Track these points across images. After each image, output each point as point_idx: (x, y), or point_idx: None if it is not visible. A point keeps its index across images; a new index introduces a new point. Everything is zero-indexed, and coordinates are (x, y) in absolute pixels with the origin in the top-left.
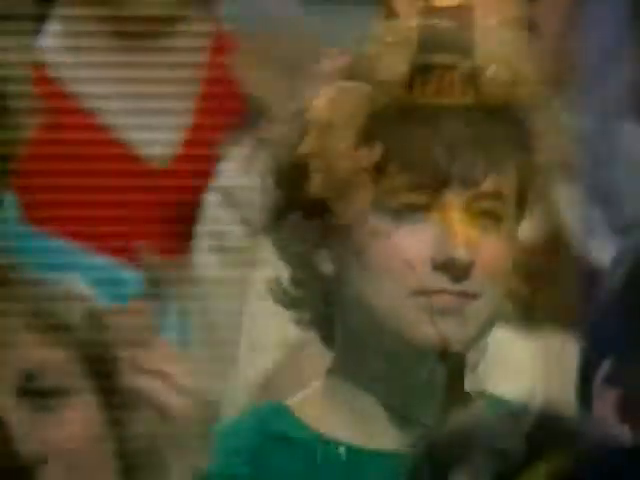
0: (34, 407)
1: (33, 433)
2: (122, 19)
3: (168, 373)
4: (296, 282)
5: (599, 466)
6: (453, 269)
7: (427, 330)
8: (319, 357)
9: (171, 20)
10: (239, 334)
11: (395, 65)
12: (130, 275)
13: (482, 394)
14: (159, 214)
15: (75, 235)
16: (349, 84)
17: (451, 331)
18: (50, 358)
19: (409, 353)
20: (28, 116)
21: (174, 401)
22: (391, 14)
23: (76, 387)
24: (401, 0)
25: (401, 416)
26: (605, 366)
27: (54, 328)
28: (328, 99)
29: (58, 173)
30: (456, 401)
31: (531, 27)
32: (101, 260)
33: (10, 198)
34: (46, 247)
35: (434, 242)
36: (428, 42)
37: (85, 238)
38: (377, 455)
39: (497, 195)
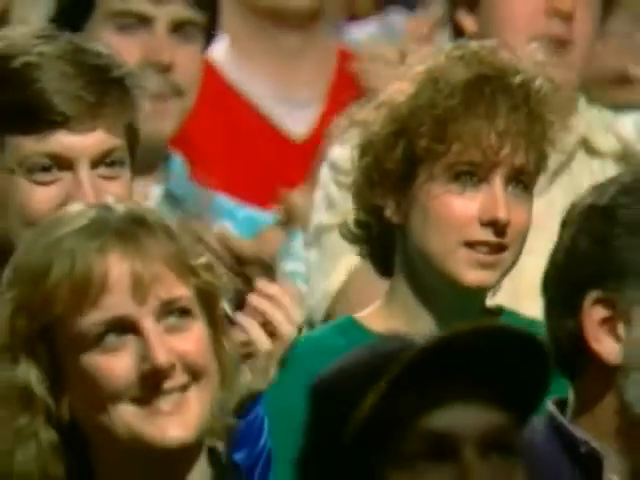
0: (167, 327)
1: (167, 345)
2: (275, 17)
3: (285, 304)
4: (360, 224)
5: None
6: (496, 226)
7: (470, 277)
8: (375, 282)
9: (315, 14)
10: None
11: (461, 73)
12: (269, 220)
13: (500, 309)
14: (294, 176)
15: (229, 190)
16: (426, 82)
17: (486, 280)
18: (182, 291)
19: (452, 289)
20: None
21: (284, 329)
22: (459, 31)
23: (197, 314)
24: (468, 20)
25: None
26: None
27: (188, 268)
28: (409, 94)
29: (221, 142)
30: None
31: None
32: (250, 210)
33: (179, 159)
34: (208, 199)
35: (482, 205)
36: (487, 57)
37: (237, 193)
38: None
39: (527, 172)
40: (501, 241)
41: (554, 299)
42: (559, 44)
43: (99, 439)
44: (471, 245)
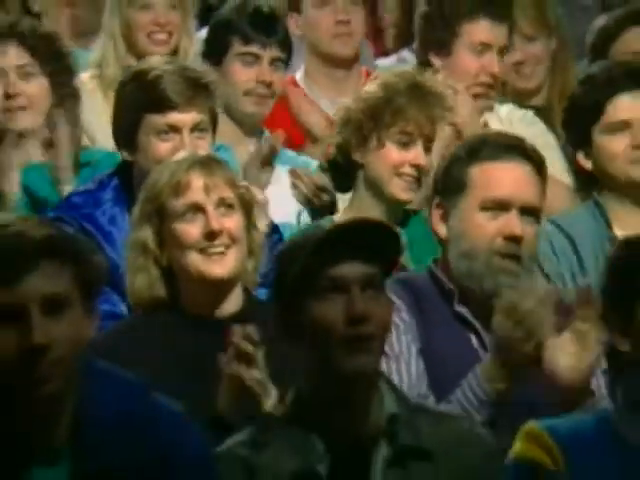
0: (220, 213)
1: (219, 220)
2: (330, 60)
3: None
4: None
5: None
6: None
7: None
8: None
9: (356, 57)
10: None
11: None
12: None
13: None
14: None
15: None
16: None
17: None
18: (231, 195)
19: (389, 201)
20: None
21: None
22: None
23: (238, 209)
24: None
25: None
26: None
27: (236, 185)
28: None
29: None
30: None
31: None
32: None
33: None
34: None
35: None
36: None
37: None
38: None
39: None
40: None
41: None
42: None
43: (181, 274)
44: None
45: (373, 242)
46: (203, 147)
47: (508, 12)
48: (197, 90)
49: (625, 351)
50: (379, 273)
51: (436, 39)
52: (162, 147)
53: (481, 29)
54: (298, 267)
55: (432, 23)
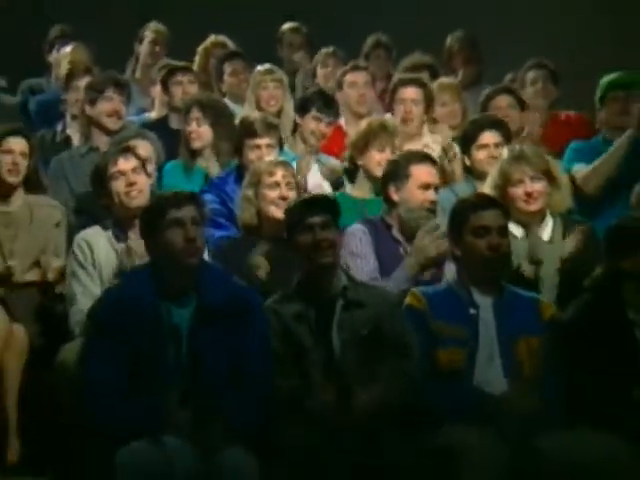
0: None
1: None
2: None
3: None
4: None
5: None
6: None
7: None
8: None
9: None
10: None
11: None
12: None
13: None
14: None
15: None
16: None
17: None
18: None
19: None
20: None
21: None
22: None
23: None
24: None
25: None
26: None
27: None
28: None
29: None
30: None
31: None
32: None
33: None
34: None
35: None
36: None
37: None
38: None
39: None
40: None
41: None
42: None
43: (265, 213)
44: None
45: (328, 205)
46: (273, 155)
47: None
48: (271, 127)
49: (457, 254)
50: (331, 219)
51: None
52: (253, 155)
53: None
54: (293, 218)
55: None
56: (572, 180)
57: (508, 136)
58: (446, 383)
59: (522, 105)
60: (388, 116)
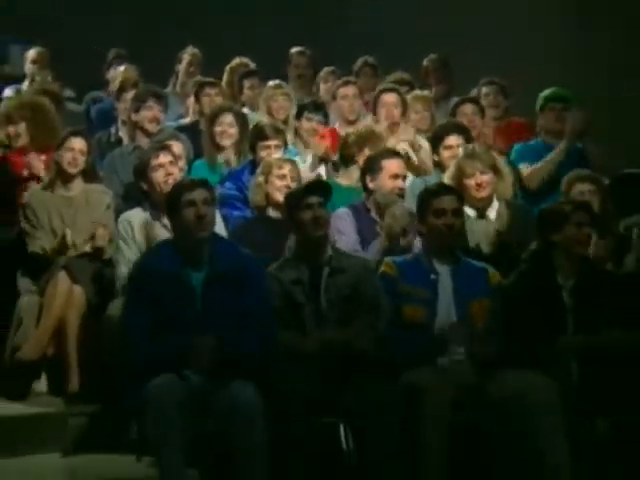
0: None
1: None
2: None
3: None
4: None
5: None
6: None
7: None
8: None
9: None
10: None
11: None
12: None
13: None
14: None
15: None
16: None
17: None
18: None
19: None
20: None
21: None
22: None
23: None
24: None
25: None
26: None
27: None
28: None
29: None
30: None
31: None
32: None
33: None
34: None
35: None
36: None
37: None
38: None
39: None
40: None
41: None
42: None
43: (272, 198)
44: None
45: (323, 188)
46: (280, 153)
47: None
48: (278, 131)
49: (422, 230)
50: (323, 201)
51: None
52: (264, 152)
53: None
54: (294, 199)
55: None
56: (519, 177)
57: (469, 139)
58: (409, 333)
59: (483, 113)
60: (373, 119)
